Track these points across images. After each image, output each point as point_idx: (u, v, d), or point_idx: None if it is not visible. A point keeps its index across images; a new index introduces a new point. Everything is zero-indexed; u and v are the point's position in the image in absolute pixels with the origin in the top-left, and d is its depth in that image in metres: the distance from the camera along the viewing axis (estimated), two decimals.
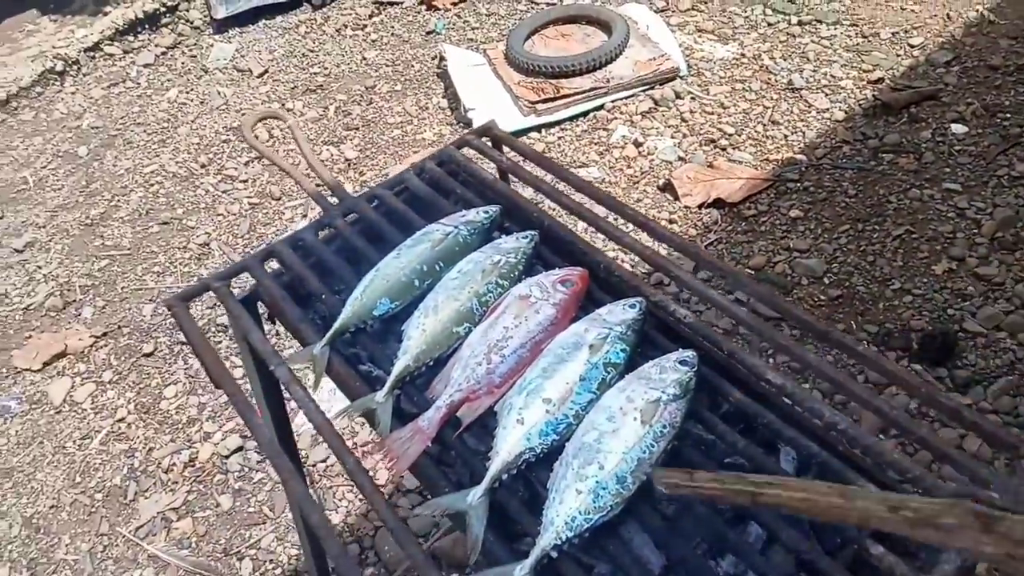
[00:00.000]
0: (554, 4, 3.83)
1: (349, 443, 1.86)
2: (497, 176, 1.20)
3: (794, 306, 0.94)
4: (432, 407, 0.89)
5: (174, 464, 2.25)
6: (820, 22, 3.38)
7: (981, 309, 2.21)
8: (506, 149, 1.25)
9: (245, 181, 3.19)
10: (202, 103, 3.66)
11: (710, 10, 3.61)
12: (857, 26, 3.33)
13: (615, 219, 1.13)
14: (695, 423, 0.86)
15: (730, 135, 2.94)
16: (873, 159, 2.73)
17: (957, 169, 2.63)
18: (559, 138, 3.09)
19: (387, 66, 3.69)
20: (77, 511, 2.18)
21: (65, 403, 2.47)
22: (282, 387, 0.93)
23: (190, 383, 2.46)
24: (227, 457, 2.24)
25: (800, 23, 3.39)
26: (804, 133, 2.89)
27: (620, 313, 0.93)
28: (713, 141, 2.92)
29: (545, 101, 3.16)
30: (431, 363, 0.96)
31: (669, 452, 0.81)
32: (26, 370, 2.58)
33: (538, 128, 3.12)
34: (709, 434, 0.85)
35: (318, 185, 1.24)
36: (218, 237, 2.96)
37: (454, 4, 3.98)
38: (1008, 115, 2.77)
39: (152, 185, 3.25)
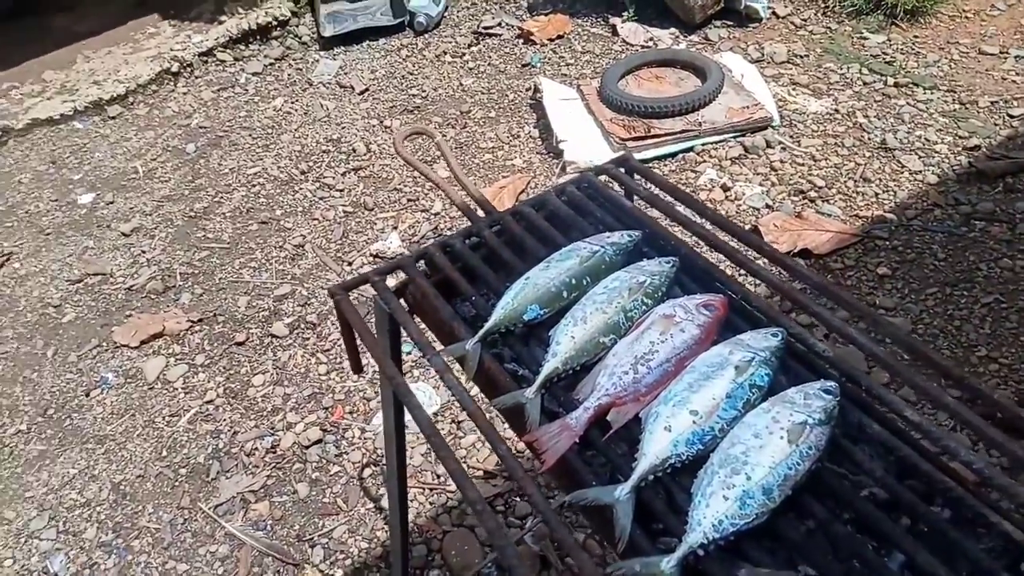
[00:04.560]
0: (649, 47, 3.93)
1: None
2: (632, 203, 1.27)
3: (931, 350, 0.99)
4: (580, 407, 0.96)
5: (256, 449, 2.35)
6: (917, 85, 3.40)
7: None
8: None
9: (341, 190, 3.33)
10: (305, 114, 3.85)
11: (805, 65, 3.66)
12: (955, 92, 3.35)
13: (746, 251, 1.20)
14: (834, 450, 0.91)
15: (820, 188, 2.97)
16: (965, 225, 2.73)
17: None
18: None
19: (482, 93, 3.82)
20: (162, 483, 2.29)
21: (158, 380, 2.59)
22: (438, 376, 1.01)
23: (277, 374, 2.57)
24: (307, 447, 2.33)
25: (896, 85, 3.42)
26: (895, 193, 2.90)
27: (763, 340, 0.98)
28: (802, 192, 2.96)
29: (636, 139, 3.24)
30: (578, 368, 1.03)
31: (812, 473, 0.86)
32: (124, 346, 2.72)
33: None
34: (850, 464, 0.89)
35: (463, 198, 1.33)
36: (312, 240, 3.09)
37: (551, 40, 4.12)
38: None
39: (254, 186, 3.42)
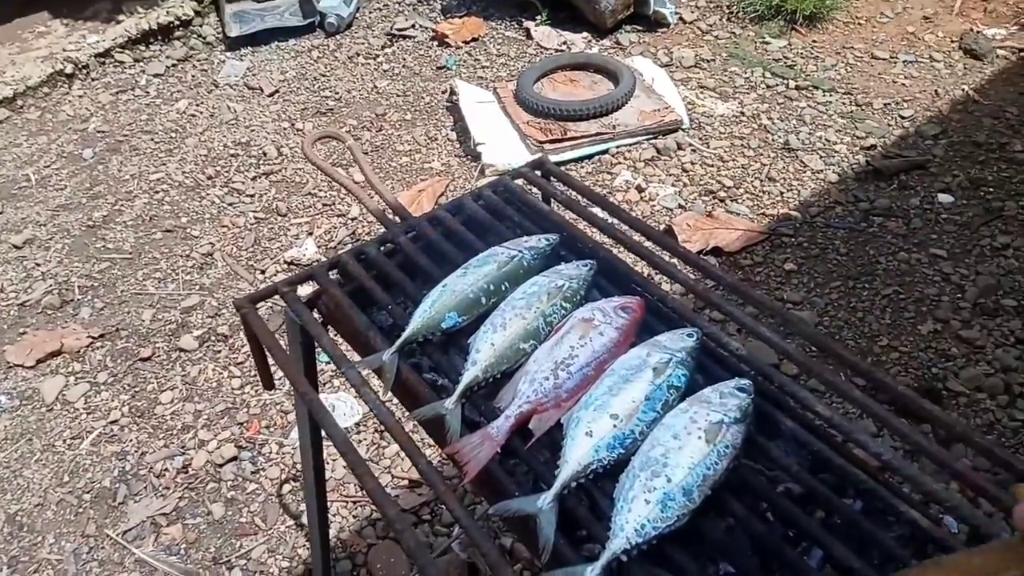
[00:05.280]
0: (562, 51, 3.97)
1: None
2: (549, 206, 1.27)
3: (839, 345, 1.02)
4: (501, 416, 0.94)
5: (166, 469, 2.24)
6: (816, 88, 3.56)
7: (963, 370, 2.32)
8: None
9: (252, 196, 3.22)
10: (211, 116, 3.70)
11: (712, 69, 3.77)
12: (851, 95, 3.52)
13: (662, 253, 1.21)
14: (751, 447, 0.93)
15: (728, 188, 3.06)
16: (864, 221, 2.87)
17: (943, 236, 2.78)
18: None
19: (398, 96, 3.77)
20: (64, 511, 2.15)
21: (57, 401, 2.44)
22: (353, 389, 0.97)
23: (187, 390, 2.46)
24: (221, 466, 2.24)
25: (797, 88, 3.57)
26: (799, 191, 3.02)
27: (679, 341, 0.99)
28: (712, 192, 3.04)
29: (552, 141, 3.26)
30: (498, 375, 1.01)
31: (730, 471, 0.88)
32: (19, 366, 2.55)
33: None
34: (765, 460, 0.91)
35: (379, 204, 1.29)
36: (222, 248, 2.97)
37: (465, 42, 4.10)
38: (991, 189, 2.94)
39: (157, 192, 3.26)
